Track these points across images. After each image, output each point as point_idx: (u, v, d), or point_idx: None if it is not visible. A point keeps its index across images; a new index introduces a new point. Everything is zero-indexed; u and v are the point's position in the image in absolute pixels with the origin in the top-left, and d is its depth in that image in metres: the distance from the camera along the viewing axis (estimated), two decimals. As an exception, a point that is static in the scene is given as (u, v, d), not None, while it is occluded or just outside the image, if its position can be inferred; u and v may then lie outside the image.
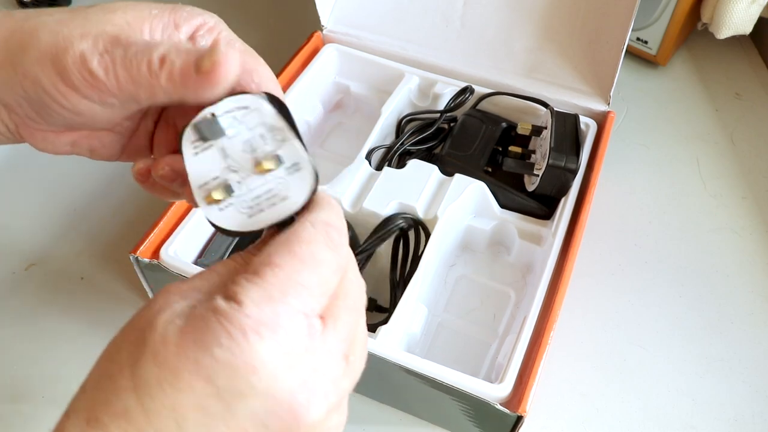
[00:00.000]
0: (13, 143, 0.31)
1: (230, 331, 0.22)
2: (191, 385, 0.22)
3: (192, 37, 0.29)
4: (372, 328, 0.39)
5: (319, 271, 0.24)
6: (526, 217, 0.48)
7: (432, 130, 0.52)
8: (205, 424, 0.22)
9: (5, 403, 0.42)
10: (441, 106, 0.54)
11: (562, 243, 0.45)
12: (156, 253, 0.42)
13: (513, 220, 0.48)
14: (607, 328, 0.47)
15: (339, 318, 0.25)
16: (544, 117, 0.50)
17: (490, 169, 0.49)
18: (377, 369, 0.38)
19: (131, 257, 0.42)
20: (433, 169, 0.48)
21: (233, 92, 0.26)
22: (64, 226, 0.51)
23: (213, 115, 0.26)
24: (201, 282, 0.25)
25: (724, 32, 0.60)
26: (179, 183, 0.29)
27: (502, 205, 0.48)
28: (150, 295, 0.46)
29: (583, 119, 0.51)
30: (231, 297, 0.23)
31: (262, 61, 0.30)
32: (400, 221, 0.44)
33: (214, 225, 0.26)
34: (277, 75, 0.53)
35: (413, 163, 0.49)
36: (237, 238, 0.45)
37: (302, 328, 0.23)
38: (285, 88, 0.52)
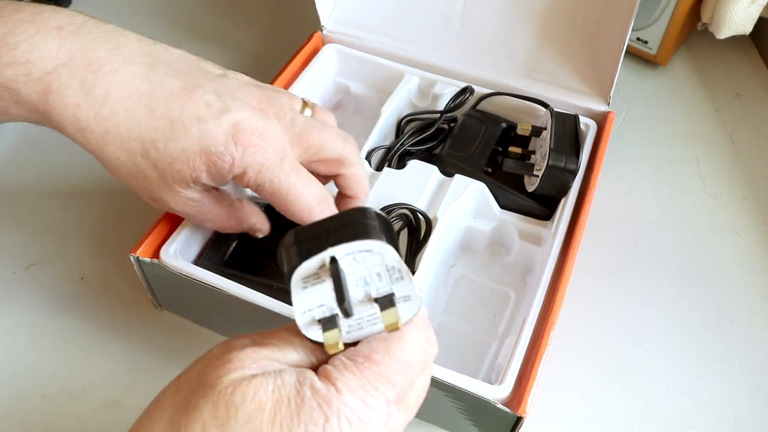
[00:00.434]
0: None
1: (327, 414, 0.24)
2: None
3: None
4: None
5: (410, 373, 0.27)
6: (525, 217, 0.48)
7: (432, 130, 0.52)
8: None
9: (5, 403, 0.43)
10: (441, 107, 0.54)
11: (562, 243, 0.45)
12: (156, 253, 0.42)
13: (513, 220, 0.48)
14: (607, 328, 0.47)
15: (407, 404, 0.27)
16: (544, 117, 0.50)
17: (490, 170, 0.49)
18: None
19: (131, 257, 0.42)
20: (433, 170, 0.48)
21: (357, 231, 0.26)
22: (64, 226, 0.51)
23: (333, 258, 0.25)
24: (277, 353, 0.26)
25: (724, 32, 0.60)
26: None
27: (502, 206, 0.48)
28: (150, 295, 0.46)
29: (582, 119, 0.51)
30: (328, 379, 0.25)
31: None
32: (396, 218, 0.44)
33: (310, 339, 0.27)
34: (277, 75, 0.53)
35: (413, 164, 0.49)
36: (236, 241, 0.45)
37: (383, 416, 0.26)
38: (285, 88, 0.52)
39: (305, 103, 0.40)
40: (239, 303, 0.40)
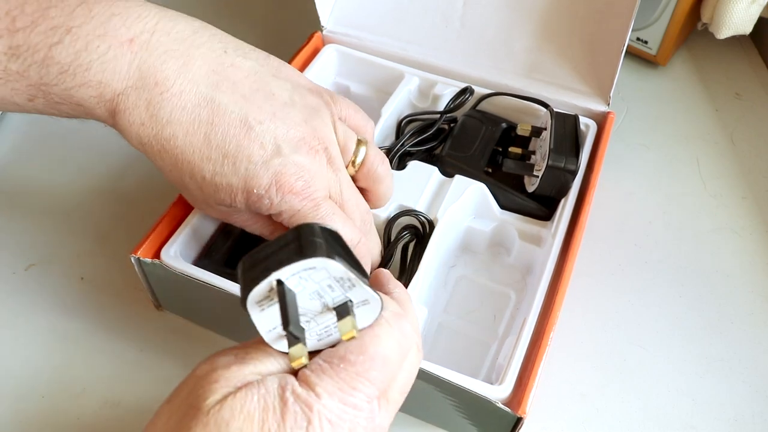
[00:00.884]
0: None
1: (310, 417, 0.26)
2: None
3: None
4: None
5: (386, 367, 0.28)
6: (526, 218, 0.48)
7: (432, 131, 0.52)
8: None
9: (5, 403, 0.43)
10: (441, 107, 0.54)
11: (562, 243, 0.45)
12: (157, 254, 0.42)
13: (513, 221, 0.48)
14: (607, 328, 0.47)
15: (391, 398, 0.29)
16: (544, 118, 0.50)
17: (490, 170, 0.49)
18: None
19: (132, 258, 0.42)
20: (433, 171, 0.48)
21: (300, 250, 0.26)
22: (64, 226, 0.51)
23: (279, 281, 0.26)
24: (259, 366, 0.28)
25: (724, 32, 0.60)
26: None
27: (502, 206, 0.48)
28: (151, 298, 0.46)
29: (582, 120, 0.51)
30: (308, 384, 0.27)
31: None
32: (405, 233, 0.44)
33: (284, 353, 0.28)
34: (277, 75, 0.53)
35: (413, 165, 0.49)
36: (236, 241, 0.45)
37: (365, 412, 0.27)
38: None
39: (359, 142, 0.40)
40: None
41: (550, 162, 0.45)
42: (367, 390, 0.27)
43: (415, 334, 0.30)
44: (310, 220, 0.36)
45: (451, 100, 0.53)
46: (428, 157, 0.52)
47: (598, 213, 0.52)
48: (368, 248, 0.40)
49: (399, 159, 0.51)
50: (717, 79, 0.65)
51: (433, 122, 0.52)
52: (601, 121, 0.52)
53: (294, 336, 0.27)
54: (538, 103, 0.52)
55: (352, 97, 0.57)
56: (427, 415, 0.42)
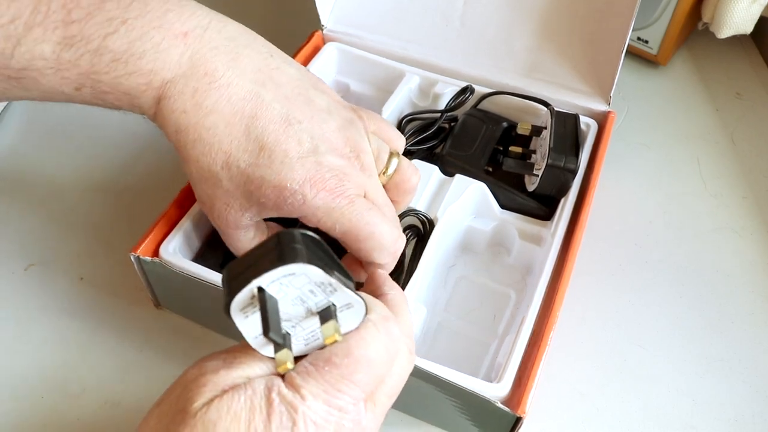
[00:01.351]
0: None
1: (295, 419, 0.26)
2: None
3: None
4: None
5: (372, 369, 0.28)
6: (526, 217, 0.48)
7: (433, 129, 0.52)
8: None
9: (5, 403, 0.43)
10: (441, 106, 0.54)
11: (562, 243, 0.45)
12: (156, 252, 0.42)
13: (513, 221, 0.48)
14: (607, 327, 0.47)
15: (378, 401, 0.29)
16: (544, 117, 0.50)
17: (490, 169, 0.49)
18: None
19: (132, 256, 0.42)
20: (433, 170, 0.48)
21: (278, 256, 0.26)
22: (64, 226, 0.51)
23: (260, 288, 0.26)
24: (247, 370, 0.28)
25: (724, 32, 0.60)
26: None
27: (503, 205, 0.48)
28: (150, 296, 0.46)
29: (583, 119, 0.51)
30: (293, 386, 0.27)
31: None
32: (408, 233, 0.44)
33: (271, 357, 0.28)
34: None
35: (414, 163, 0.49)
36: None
37: (351, 414, 0.27)
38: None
39: (392, 154, 0.41)
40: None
41: (550, 161, 0.45)
42: (352, 392, 0.27)
43: (405, 337, 0.30)
44: (346, 217, 0.36)
45: (451, 99, 0.53)
46: (429, 156, 0.52)
47: (599, 212, 0.52)
48: (402, 245, 0.40)
49: (399, 158, 0.51)
50: (717, 79, 0.65)
51: (434, 121, 0.52)
52: (602, 120, 0.52)
53: (276, 342, 0.27)
54: (539, 102, 0.52)
55: (353, 95, 0.57)
56: (426, 415, 0.42)
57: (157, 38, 0.34)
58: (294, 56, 0.55)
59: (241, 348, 0.29)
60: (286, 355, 0.28)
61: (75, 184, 0.54)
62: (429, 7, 0.57)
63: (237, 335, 0.28)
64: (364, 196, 0.38)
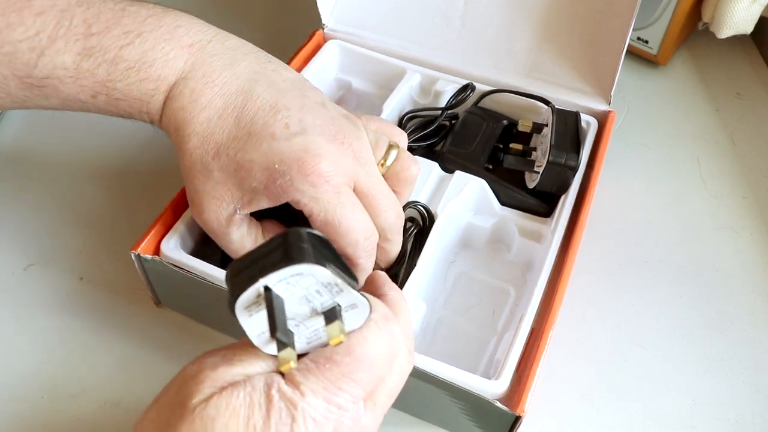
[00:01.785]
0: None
1: (294, 415, 0.26)
2: None
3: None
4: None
5: (372, 369, 0.28)
6: (526, 214, 0.48)
7: (433, 127, 0.52)
8: None
9: (5, 403, 0.42)
10: (442, 104, 0.54)
11: (562, 240, 0.45)
12: (157, 250, 0.42)
13: (513, 217, 0.48)
14: (607, 327, 0.47)
15: (378, 400, 0.29)
16: (545, 114, 0.50)
17: (490, 166, 0.49)
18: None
19: (132, 254, 0.42)
20: (433, 166, 0.48)
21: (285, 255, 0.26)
22: (63, 227, 0.51)
23: (266, 287, 0.26)
24: (247, 367, 0.28)
25: (724, 32, 0.60)
26: None
27: (503, 202, 0.48)
28: (151, 294, 0.46)
29: (584, 117, 0.51)
30: (293, 383, 0.27)
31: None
32: (410, 225, 0.44)
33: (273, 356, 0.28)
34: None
35: (413, 161, 0.49)
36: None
37: (351, 413, 0.27)
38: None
39: (391, 146, 0.41)
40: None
41: (551, 158, 0.45)
42: (352, 390, 0.27)
43: (405, 338, 0.30)
44: (330, 208, 0.36)
45: (452, 96, 0.53)
46: (429, 153, 0.52)
47: (599, 212, 0.52)
48: (375, 243, 0.39)
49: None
50: (717, 79, 0.65)
51: (435, 119, 0.52)
52: (602, 119, 0.52)
53: (282, 342, 0.27)
54: (539, 100, 0.52)
55: (354, 93, 0.57)
56: (427, 414, 0.42)
57: (167, 48, 0.38)
58: (295, 55, 0.55)
59: (241, 345, 0.29)
60: (289, 354, 0.27)
61: (75, 184, 0.54)
62: (429, 8, 0.57)
63: (238, 333, 0.28)
64: (354, 187, 0.38)
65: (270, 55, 0.41)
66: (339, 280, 0.26)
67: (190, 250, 0.44)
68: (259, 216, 0.40)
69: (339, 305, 0.28)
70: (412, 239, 0.45)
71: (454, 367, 0.38)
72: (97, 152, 0.56)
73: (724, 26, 0.59)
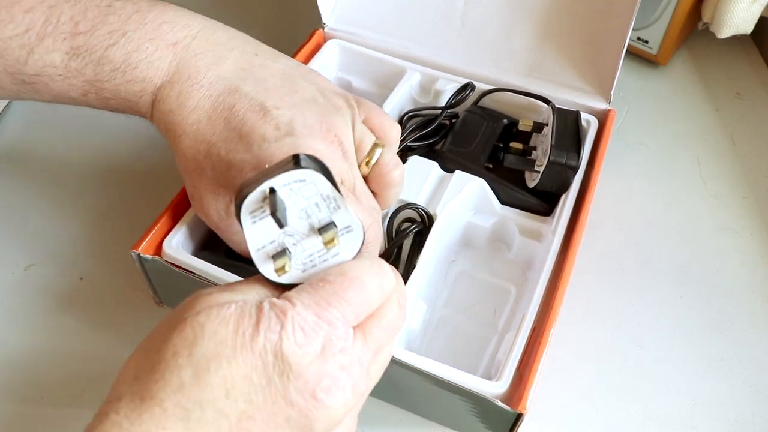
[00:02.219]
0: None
1: (283, 322, 0.27)
2: (244, 359, 0.26)
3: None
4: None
5: (363, 292, 0.29)
6: (526, 213, 0.48)
7: (433, 126, 0.52)
8: (247, 392, 0.26)
9: (5, 403, 0.42)
10: (442, 103, 0.53)
11: (563, 240, 0.45)
12: (157, 250, 0.42)
13: (513, 216, 0.48)
14: (607, 327, 0.47)
15: (371, 333, 0.29)
16: (545, 114, 0.50)
17: (491, 166, 0.49)
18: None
19: (132, 254, 0.42)
20: (433, 166, 0.48)
21: (294, 161, 0.28)
22: (63, 227, 0.51)
23: (272, 189, 0.28)
24: (240, 295, 0.29)
25: (724, 32, 0.60)
26: None
27: (503, 202, 0.48)
28: (152, 293, 0.46)
29: (584, 116, 0.51)
30: (286, 298, 0.28)
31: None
32: (408, 225, 0.44)
33: (271, 281, 0.30)
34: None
35: (413, 160, 0.49)
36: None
37: (339, 332, 0.28)
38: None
39: (376, 145, 0.41)
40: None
41: (551, 157, 0.45)
42: (342, 309, 0.28)
43: (398, 285, 0.31)
44: None
45: (452, 96, 0.53)
46: (429, 153, 0.52)
47: (599, 212, 0.52)
48: (376, 235, 0.40)
49: (400, 154, 0.51)
50: (717, 79, 0.65)
51: (434, 118, 0.52)
52: (602, 118, 0.52)
53: (285, 252, 0.29)
54: (539, 99, 0.52)
55: (354, 92, 0.57)
56: (429, 413, 0.42)
57: (151, 49, 0.37)
58: (295, 54, 0.55)
59: (237, 282, 0.30)
60: (284, 260, 0.29)
61: (75, 184, 0.54)
62: (429, 7, 0.57)
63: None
64: (341, 184, 0.38)
65: (259, 45, 0.41)
66: (337, 195, 0.28)
67: (192, 250, 0.44)
68: None
69: (335, 224, 0.29)
70: (410, 243, 0.45)
71: (455, 369, 0.38)
72: (97, 152, 0.56)
73: (724, 26, 0.59)
